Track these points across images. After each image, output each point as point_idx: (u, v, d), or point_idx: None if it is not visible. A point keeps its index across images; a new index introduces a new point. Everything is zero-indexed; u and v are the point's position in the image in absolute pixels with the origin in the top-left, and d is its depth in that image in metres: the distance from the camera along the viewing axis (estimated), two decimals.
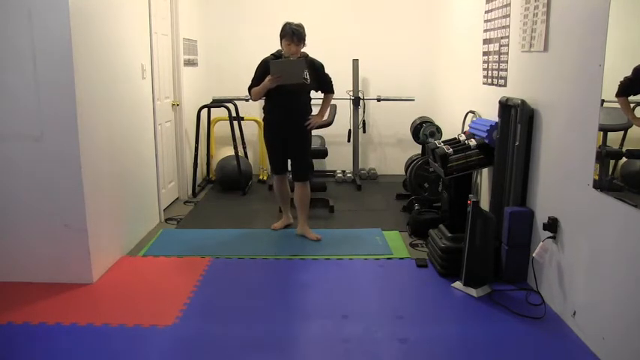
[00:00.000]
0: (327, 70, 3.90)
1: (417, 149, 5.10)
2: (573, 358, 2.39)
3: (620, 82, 2.24)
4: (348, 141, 5.73)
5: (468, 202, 3.00)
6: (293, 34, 3.61)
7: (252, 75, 3.80)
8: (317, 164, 4.82)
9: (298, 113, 3.84)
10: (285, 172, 4.05)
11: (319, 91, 3.95)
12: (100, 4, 3.19)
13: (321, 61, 3.86)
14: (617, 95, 2.28)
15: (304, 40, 3.69)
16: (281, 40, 3.70)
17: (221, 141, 5.85)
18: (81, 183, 2.97)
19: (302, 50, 3.75)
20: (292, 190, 4.13)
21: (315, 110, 3.94)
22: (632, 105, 2.25)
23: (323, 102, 3.96)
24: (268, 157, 4.10)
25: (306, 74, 3.70)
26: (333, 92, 3.98)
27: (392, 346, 2.48)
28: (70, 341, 2.49)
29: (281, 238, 3.97)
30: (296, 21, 3.70)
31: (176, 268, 3.39)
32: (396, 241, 3.88)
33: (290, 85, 3.65)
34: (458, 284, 3.09)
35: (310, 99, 3.92)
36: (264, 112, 3.94)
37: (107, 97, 3.30)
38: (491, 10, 3.89)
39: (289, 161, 4.01)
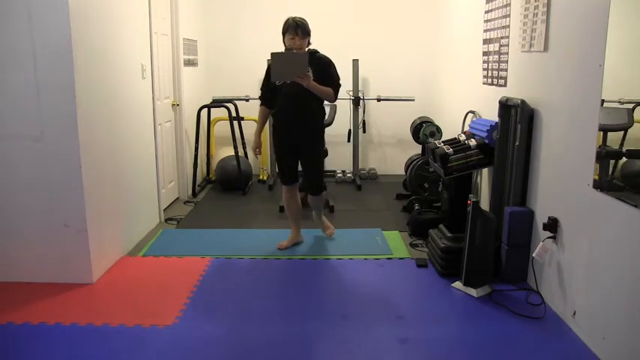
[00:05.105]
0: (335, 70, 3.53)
1: (417, 149, 5.10)
2: (573, 358, 2.40)
3: None
4: (348, 141, 5.73)
5: (468, 202, 3.00)
6: (297, 25, 3.35)
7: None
8: None
9: (306, 117, 3.51)
10: (293, 182, 3.69)
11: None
12: (100, 4, 3.19)
13: (330, 58, 3.54)
14: None
15: (309, 33, 3.43)
16: (284, 35, 3.43)
17: (221, 141, 5.85)
18: (81, 183, 2.97)
19: (309, 47, 3.49)
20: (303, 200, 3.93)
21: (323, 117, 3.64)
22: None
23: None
24: (277, 166, 3.77)
25: (310, 72, 3.36)
26: (334, 88, 3.49)
27: (392, 346, 2.48)
28: (70, 341, 2.49)
29: (281, 238, 3.96)
30: None
31: (176, 268, 3.39)
32: (396, 241, 3.88)
33: (295, 85, 3.36)
34: (458, 284, 3.09)
35: (322, 101, 3.55)
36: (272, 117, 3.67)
37: (107, 97, 3.30)
38: (491, 10, 3.89)
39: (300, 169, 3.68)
